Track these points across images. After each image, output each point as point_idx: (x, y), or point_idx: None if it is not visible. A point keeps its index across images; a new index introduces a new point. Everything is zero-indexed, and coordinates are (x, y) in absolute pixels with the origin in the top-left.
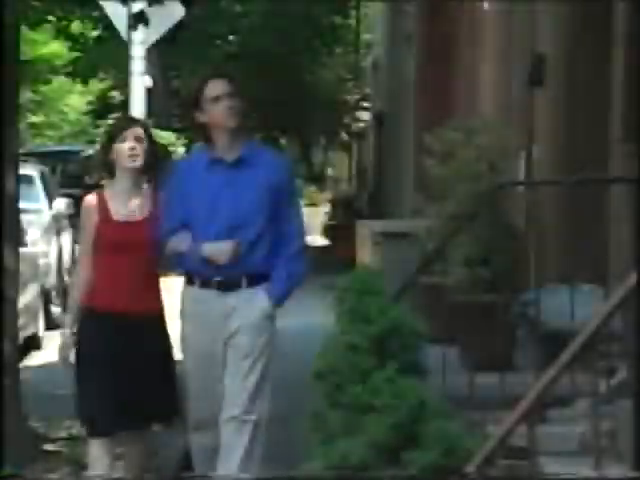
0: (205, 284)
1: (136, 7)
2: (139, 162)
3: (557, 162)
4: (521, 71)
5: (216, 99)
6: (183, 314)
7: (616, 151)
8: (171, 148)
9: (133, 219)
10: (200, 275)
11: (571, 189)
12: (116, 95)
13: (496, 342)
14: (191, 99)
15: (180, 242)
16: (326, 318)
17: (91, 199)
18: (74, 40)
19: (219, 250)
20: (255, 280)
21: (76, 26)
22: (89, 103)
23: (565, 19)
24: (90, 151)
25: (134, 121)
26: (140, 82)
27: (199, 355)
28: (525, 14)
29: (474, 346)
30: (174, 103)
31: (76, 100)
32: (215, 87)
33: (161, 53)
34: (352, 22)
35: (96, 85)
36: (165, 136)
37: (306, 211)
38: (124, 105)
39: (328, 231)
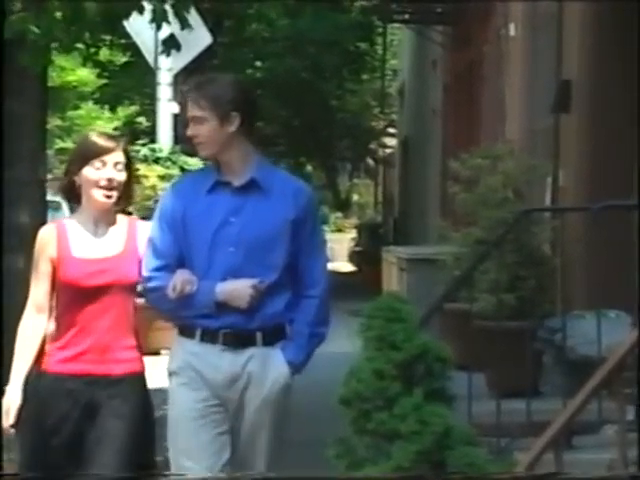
0: (208, 337)
1: (164, 33)
2: (114, 198)
3: (583, 188)
4: (547, 97)
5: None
6: (175, 374)
7: None
8: None
9: (102, 255)
10: (202, 325)
11: (598, 215)
12: (143, 121)
13: (522, 369)
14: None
15: (184, 282)
16: (352, 344)
17: (48, 230)
18: (102, 67)
19: (238, 291)
20: (272, 335)
21: (104, 53)
22: (116, 129)
23: (591, 46)
24: None
25: (117, 142)
26: (167, 108)
27: (192, 424)
28: (551, 41)
29: (500, 373)
30: None
31: (103, 126)
32: (189, 108)
33: (188, 79)
34: (378, 48)
35: (123, 111)
36: (192, 163)
37: (332, 237)
38: (151, 131)
39: (354, 257)
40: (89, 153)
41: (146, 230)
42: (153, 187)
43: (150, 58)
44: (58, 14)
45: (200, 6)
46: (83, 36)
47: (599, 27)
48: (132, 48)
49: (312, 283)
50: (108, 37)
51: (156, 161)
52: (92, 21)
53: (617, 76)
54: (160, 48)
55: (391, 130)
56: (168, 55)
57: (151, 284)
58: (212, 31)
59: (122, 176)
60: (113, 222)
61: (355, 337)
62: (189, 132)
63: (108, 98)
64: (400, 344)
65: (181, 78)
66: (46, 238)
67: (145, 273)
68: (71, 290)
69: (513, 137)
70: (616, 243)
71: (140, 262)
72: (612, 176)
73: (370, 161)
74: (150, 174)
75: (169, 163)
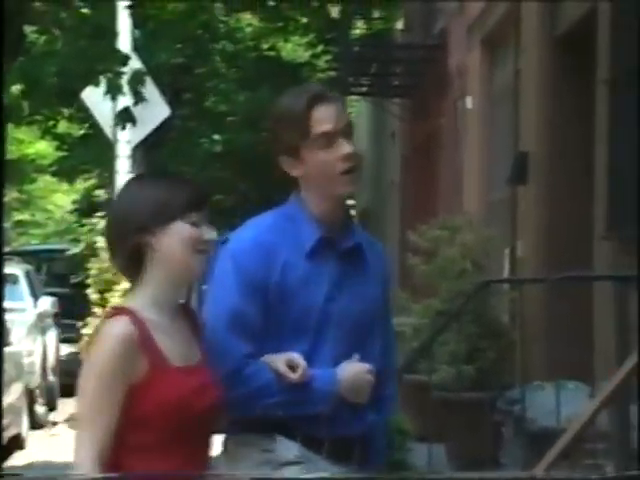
0: (310, 444)
1: (120, 104)
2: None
3: (541, 259)
4: (504, 169)
5: (326, 139)
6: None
7: (600, 248)
8: None
9: (194, 361)
10: (303, 431)
11: (555, 286)
12: (101, 194)
13: (482, 440)
14: (277, 135)
15: (299, 362)
16: None
17: (125, 329)
18: (60, 139)
19: (361, 379)
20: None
21: (62, 125)
22: (74, 202)
23: (548, 117)
24: (75, 250)
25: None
26: (125, 181)
27: None
28: (508, 113)
29: (460, 444)
30: None
31: (61, 199)
32: (326, 117)
33: (146, 152)
34: None
35: (81, 184)
36: None
37: None
38: (109, 204)
39: None
40: (191, 200)
41: (196, 317)
42: None
43: (108, 131)
44: (15, 87)
45: (158, 79)
46: (39, 109)
47: (555, 99)
48: (90, 120)
49: (389, 375)
50: (66, 110)
51: None
52: (49, 94)
53: (573, 147)
54: (117, 121)
55: (350, 201)
56: (124, 128)
57: (243, 376)
58: (171, 104)
59: None
60: (179, 309)
61: None
62: (350, 149)
63: (66, 171)
64: None
65: (140, 151)
66: (127, 342)
67: (232, 363)
68: (167, 421)
69: (471, 208)
70: (574, 314)
71: None
72: (569, 246)
73: None
74: None
75: None
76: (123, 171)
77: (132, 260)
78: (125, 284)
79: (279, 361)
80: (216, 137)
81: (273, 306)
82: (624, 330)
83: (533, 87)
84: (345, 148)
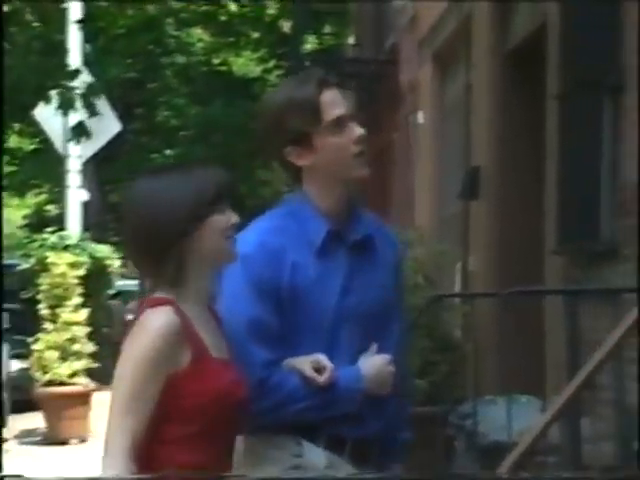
0: (334, 446)
1: (73, 120)
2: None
3: (493, 274)
4: (456, 184)
5: (338, 123)
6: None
7: (551, 262)
8: (108, 262)
9: (227, 354)
10: (327, 430)
11: (507, 301)
12: (52, 209)
13: (434, 454)
14: (282, 125)
15: (324, 362)
16: None
17: (167, 315)
18: (10, 154)
19: (383, 372)
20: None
21: (13, 139)
22: (25, 217)
23: (498, 132)
24: (25, 265)
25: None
26: (76, 196)
27: None
28: (459, 127)
29: (412, 458)
30: (110, 217)
31: (12, 214)
32: (336, 101)
33: (97, 167)
34: None
35: (32, 199)
36: (101, 250)
37: None
38: (60, 219)
39: None
40: (219, 193)
41: (216, 311)
42: (63, 275)
43: (59, 145)
44: None
45: (109, 94)
46: None
47: (506, 113)
48: (41, 135)
49: (402, 366)
50: (17, 124)
51: (65, 248)
52: None
53: (524, 162)
54: (69, 135)
55: None
56: (78, 143)
57: (270, 384)
58: (122, 118)
59: None
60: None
61: None
62: (362, 131)
63: (16, 185)
64: None
65: (91, 166)
66: (170, 332)
67: (257, 373)
68: (203, 411)
69: (423, 223)
70: (526, 328)
71: None
72: (521, 261)
73: None
74: (59, 262)
75: (78, 250)
76: (74, 186)
77: (169, 268)
78: (76, 299)
79: (305, 364)
80: (168, 152)
81: (286, 308)
82: (575, 344)
83: (484, 102)
84: (357, 130)
